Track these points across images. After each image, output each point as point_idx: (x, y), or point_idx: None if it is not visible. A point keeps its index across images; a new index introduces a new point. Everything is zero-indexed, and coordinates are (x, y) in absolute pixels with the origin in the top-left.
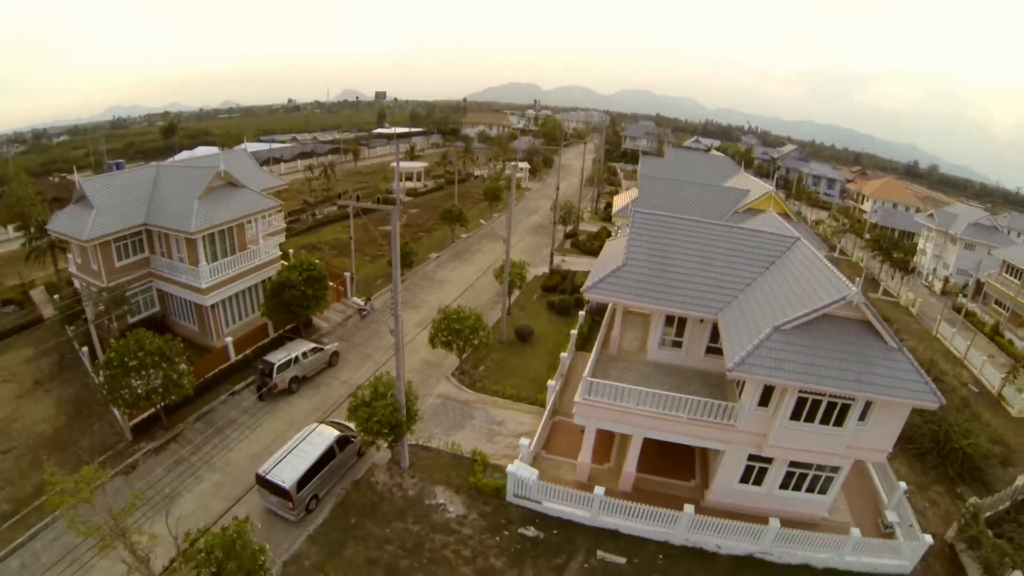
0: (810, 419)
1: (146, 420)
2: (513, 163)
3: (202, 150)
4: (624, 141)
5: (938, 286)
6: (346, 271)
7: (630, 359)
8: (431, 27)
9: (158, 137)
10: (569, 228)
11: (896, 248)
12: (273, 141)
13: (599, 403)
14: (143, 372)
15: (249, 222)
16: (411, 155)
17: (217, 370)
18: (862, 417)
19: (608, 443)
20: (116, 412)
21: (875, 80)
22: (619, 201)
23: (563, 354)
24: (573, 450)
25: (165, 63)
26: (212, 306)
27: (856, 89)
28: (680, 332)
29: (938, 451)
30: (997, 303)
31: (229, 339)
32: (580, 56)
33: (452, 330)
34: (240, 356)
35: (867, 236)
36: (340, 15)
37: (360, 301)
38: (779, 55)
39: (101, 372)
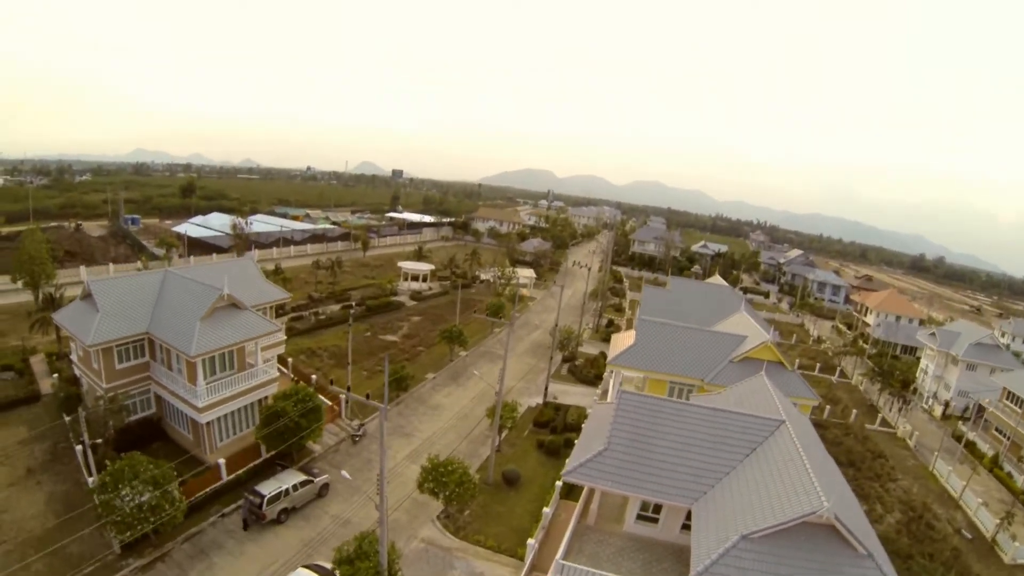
0: None
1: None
2: (516, 280)
3: (216, 216)
4: (633, 244)
5: (938, 411)
6: (341, 392)
7: (606, 530)
8: (454, 110)
9: (176, 192)
10: (568, 352)
11: (894, 378)
12: (286, 214)
13: None
14: (137, 500)
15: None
16: (419, 255)
17: (209, 489)
18: None
19: None
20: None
21: (881, 173)
22: (616, 343)
23: (546, 509)
24: None
25: (195, 112)
26: (208, 422)
27: (862, 182)
28: (657, 510)
29: None
30: (997, 430)
31: (222, 460)
32: (595, 146)
33: (439, 481)
34: (232, 476)
35: (867, 360)
36: (366, 89)
37: (354, 425)
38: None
39: (96, 495)
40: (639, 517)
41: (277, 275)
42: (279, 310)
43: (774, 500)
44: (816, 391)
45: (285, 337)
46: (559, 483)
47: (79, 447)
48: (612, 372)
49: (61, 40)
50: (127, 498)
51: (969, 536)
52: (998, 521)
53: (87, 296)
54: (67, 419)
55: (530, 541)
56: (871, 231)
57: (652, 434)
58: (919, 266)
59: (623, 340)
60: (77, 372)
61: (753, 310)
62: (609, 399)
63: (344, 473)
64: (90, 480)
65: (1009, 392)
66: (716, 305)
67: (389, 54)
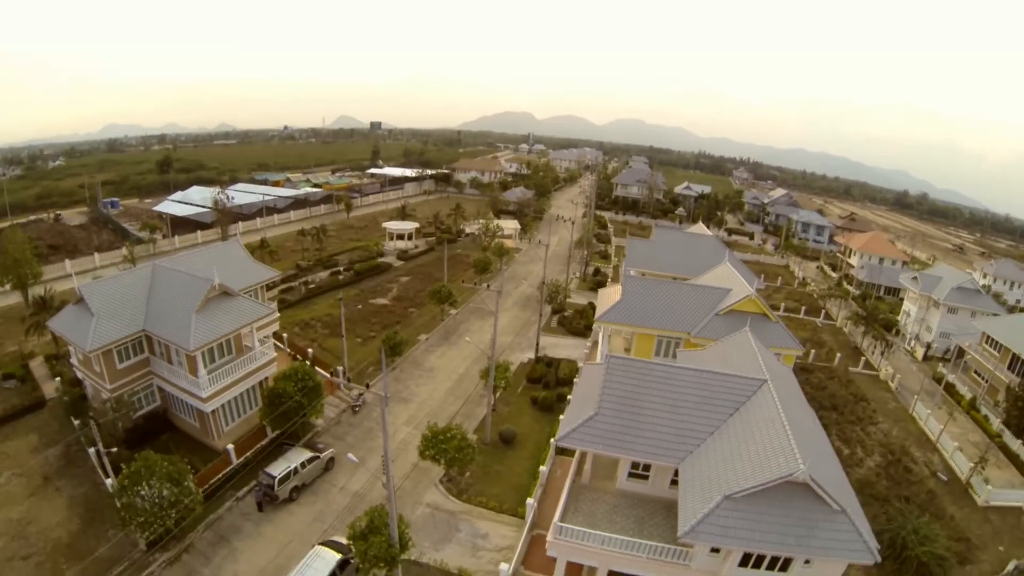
0: (757, 566)
1: None
2: (500, 233)
3: (195, 191)
4: (615, 188)
5: (920, 353)
6: (339, 365)
7: (600, 488)
8: (428, 56)
9: (153, 168)
10: (556, 304)
11: (877, 322)
12: (267, 181)
13: (568, 542)
14: (156, 500)
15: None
16: (403, 214)
17: (221, 475)
18: (807, 561)
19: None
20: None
21: (866, 109)
22: (603, 299)
23: (542, 467)
24: (550, 566)
25: (163, 80)
26: (213, 411)
27: (847, 117)
28: (647, 468)
29: (895, 557)
30: (976, 373)
31: (231, 446)
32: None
33: (439, 448)
34: (241, 460)
35: (852, 302)
36: (338, 42)
37: (353, 395)
38: (770, 84)
39: (117, 499)
40: (630, 475)
41: (263, 248)
42: (269, 285)
43: (755, 461)
44: (801, 334)
45: (278, 314)
46: (554, 440)
47: (92, 450)
48: (601, 327)
49: (18, 20)
50: (147, 498)
51: (945, 479)
52: (972, 465)
53: (79, 300)
54: (76, 423)
55: (529, 500)
56: (857, 166)
57: (640, 397)
58: (903, 203)
59: (610, 295)
60: (79, 374)
61: (737, 259)
62: (599, 356)
63: (351, 456)
64: (107, 482)
65: (988, 337)
66: (700, 255)
67: (363, 4)
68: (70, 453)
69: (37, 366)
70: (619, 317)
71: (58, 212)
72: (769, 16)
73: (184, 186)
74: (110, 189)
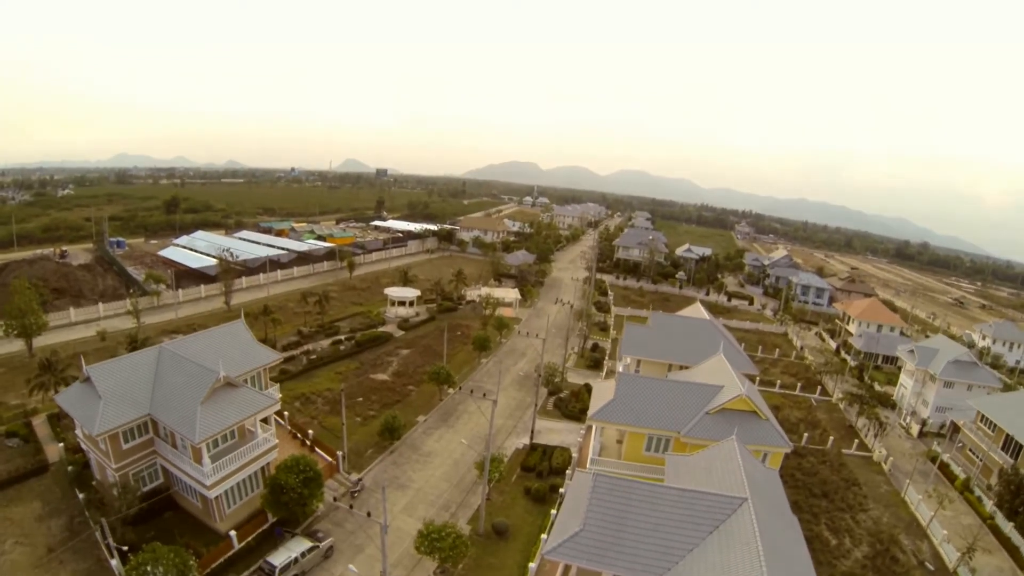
0: None
1: None
2: (500, 305)
3: (201, 236)
4: (617, 251)
5: (915, 429)
6: (339, 450)
7: None
8: (435, 103)
9: (160, 206)
10: (553, 386)
11: (871, 406)
12: (271, 229)
13: None
14: None
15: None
16: (404, 279)
17: (223, 559)
18: None
19: None
20: None
21: (864, 158)
22: (597, 394)
23: (531, 564)
24: None
25: (177, 114)
26: (216, 496)
27: (846, 166)
28: None
29: None
30: (971, 451)
31: (233, 532)
32: (579, 138)
33: (434, 546)
34: (243, 544)
35: (849, 375)
36: (347, 85)
37: (352, 479)
38: (771, 135)
39: None
40: None
41: (266, 315)
42: (271, 347)
43: None
44: (796, 414)
45: (279, 399)
46: (544, 536)
47: (97, 531)
48: (619, 358)
49: (43, 44)
50: None
51: (932, 568)
52: (960, 554)
53: (86, 380)
54: (81, 497)
55: None
56: (857, 216)
57: (624, 514)
58: (904, 254)
59: (603, 391)
60: (83, 445)
61: (732, 345)
62: (591, 450)
63: (351, 567)
64: (112, 563)
65: (983, 415)
66: (696, 342)
67: (374, 51)
68: (74, 524)
69: (40, 424)
70: (612, 417)
71: (64, 249)
72: (771, 68)
73: (190, 228)
74: (117, 226)
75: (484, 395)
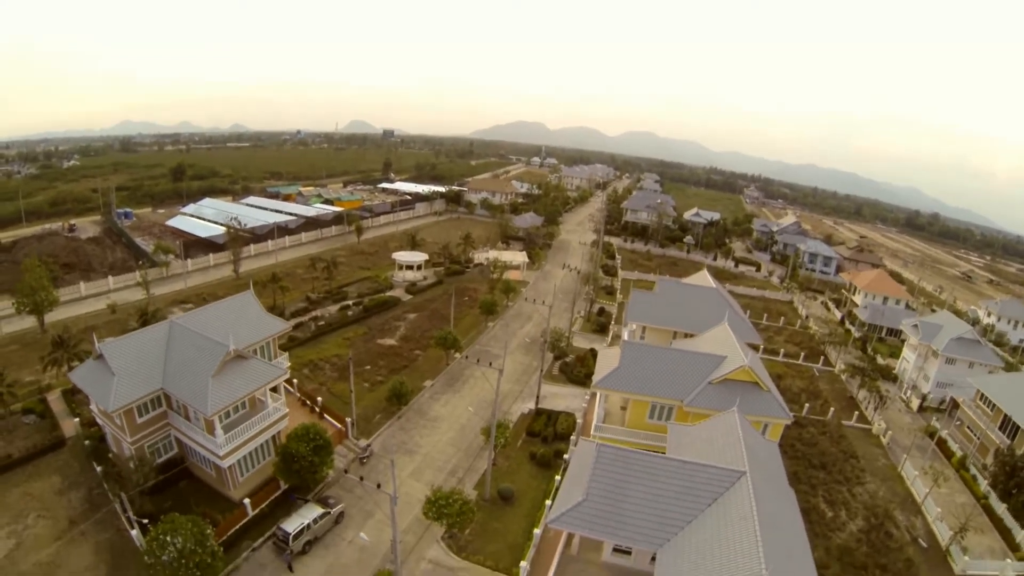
0: None
1: None
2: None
3: (208, 203)
4: (625, 213)
5: (915, 403)
6: (347, 416)
7: (587, 559)
8: (444, 61)
9: (166, 173)
10: (559, 351)
11: (872, 379)
12: (278, 194)
13: None
14: (181, 558)
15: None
16: (412, 242)
17: (238, 526)
18: None
19: None
20: None
21: (877, 125)
22: (602, 361)
23: (536, 530)
24: None
25: (180, 78)
26: (229, 466)
27: (858, 134)
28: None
29: None
30: (969, 428)
31: (247, 500)
32: (587, 98)
33: (442, 512)
34: (256, 511)
35: (852, 346)
36: (354, 45)
37: (360, 445)
38: (782, 99)
39: (146, 557)
40: (615, 550)
41: (275, 283)
42: (279, 314)
43: (723, 560)
44: (798, 383)
45: (288, 366)
46: (548, 502)
47: (115, 500)
48: (625, 324)
49: (42, 12)
50: (173, 556)
51: (925, 545)
52: (953, 532)
53: (99, 357)
54: (99, 469)
55: (523, 563)
56: (867, 183)
57: (625, 485)
58: (914, 224)
59: (609, 358)
60: (98, 420)
61: (738, 313)
62: (595, 415)
63: (362, 535)
64: (132, 533)
65: (982, 394)
66: (702, 310)
67: (379, 9)
68: (93, 497)
69: (55, 400)
70: (616, 384)
71: (72, 223)
72: (784, 28)
73: (197, 196)
74: (124, 196)
75: (491, 364)
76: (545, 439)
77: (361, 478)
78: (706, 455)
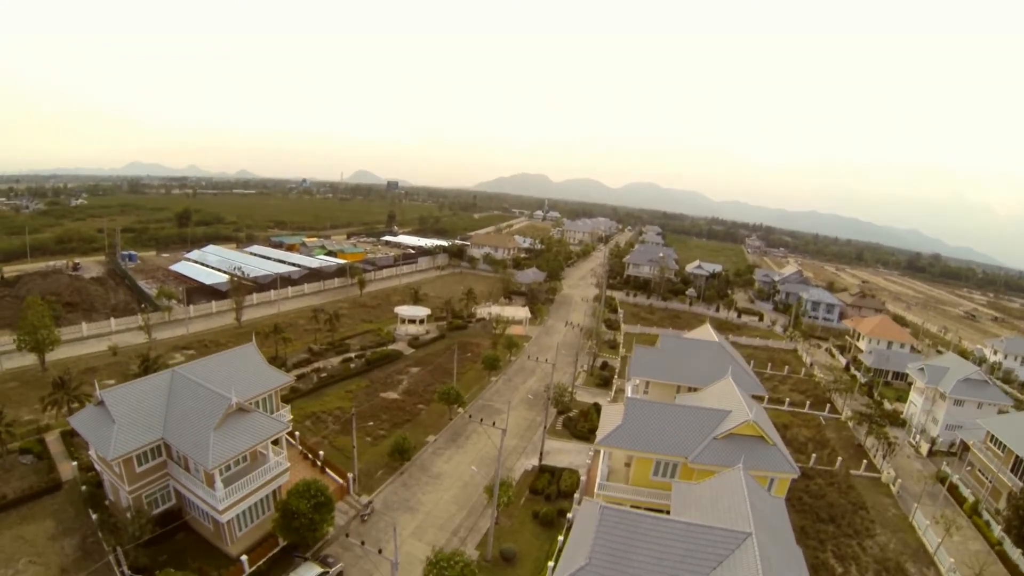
0: None
1: None
2: (509, 322)
3: (212, 251)
4: (627, 268)
5: (925, 448)
6: (349, 472)
7: None
8: (445, 116)
9: (172, 218)
10: (562, 406)
11: (880, 426)
12: (282, 244)
13: None
14: None
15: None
16: (415, 298)
17: None
18: None
19: None
20: None
21: (876, 170)
22: (606, 419)
23: None
24: None
25: (189, 123)
26: (228, 521)
27: (857, 179)
28: None
29: None
30: (980, 472)
31: (244, 557)
32: (590, 150)
33: (443, 575)
34: (253, 568)
35: (858, 392)
36: (358, 97)
37: (362, 502)
38: (782, 147)
39: None
40: None
41: (277, 334)
42: (281, 367)
43: None
44: (805, 433)
45: (290, 419)
46: (551, 564)
47: (111, 553)
48: (628, 379)
49: (58, 53)
50: None
51: None
52: None
53: (100, 403)
54: (94, 517)
55: None
56: (867, 227)
57: (629, 548)
58: (915, 266)
59: (612, 415)
60: (96, 466)
61: (741, 366)
62: (598, 474)
63: None
64: None
65: (992, 435)
66: (705, 364)
67: (385, 64)
68: (87, 545)
69: (53, 441)
70: (620, 442)
71: (76, 262)
72: (782, 76)
73: (202, 242)
74: (129, 238)
75: (494, 423)
76: (548, 497)
77: (363, 542)
78: (711, 515)
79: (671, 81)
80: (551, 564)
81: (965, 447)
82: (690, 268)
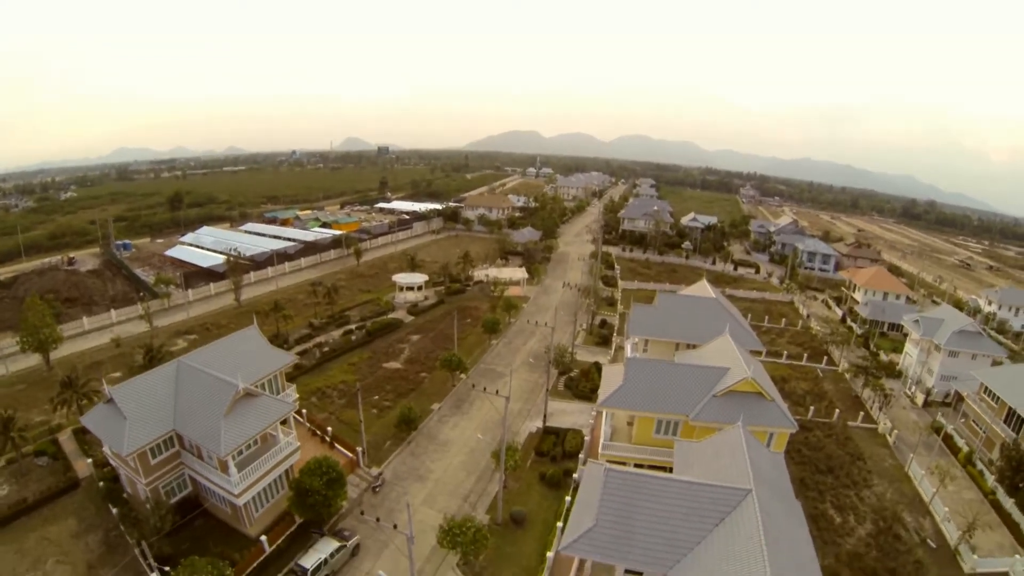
0: None
1: None
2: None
3: (206, 232)
4: (622, 222)
5: (920, 398)
6: (358, 445)
7: None
8: (431, 75)
9: (164, 202)
10: (563, 367)
11: (877, 372)
12: (276, 219)
13: None
14: None
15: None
16: (412, 264)
17: (256, 563)
18: None
19: None
20: None
21: (869, 113)
22: (607, 380)
23: (548, 553)
24: None
25: (173, 102)
26: (245, 503)
27: (851, 123)
28: None
29: None
30: (974, 422)
31: (263, 537)
32: (580, 103)
33: (456, 540)
34: (273, 548)
35: (854, 344)
36: (343, 60)
37: (373, 474)
38: (774, 93)
39: None
40: (626, 572)
41: (277, 312)
42: (283, 344)
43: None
44: (803, 386)
45: (297, 398)
46: (560, 524)
47: (135, 547)
48: (627, 337)
49: (36, 42)
50: None
51: (934, 546)
52: (961, 532)
53: (109, 400)
54: (115, 511)
55: None
56: (862, 174)
57: (634, 508)
58: (910, 213)
59: (613, 376)
60: (111, 461)
61: (738, 321)
62: (602, 433)
63: (381, 573)
64: None
65: (986, 387)
66: (703, 321)
67: (366, 21)
68: (110, 539)
69: (66, 440)
70: (621, 403)
71: (72, 256)
72: (773, 21)
73: (195, 224)
74: (122, 227)
75: (497, 392)
76: (554, 458)
77: (378, 519)
78: (712, 473)
79: (658, 31)
80: (560, 524)
81: (960, 398)
82: (685, 221)
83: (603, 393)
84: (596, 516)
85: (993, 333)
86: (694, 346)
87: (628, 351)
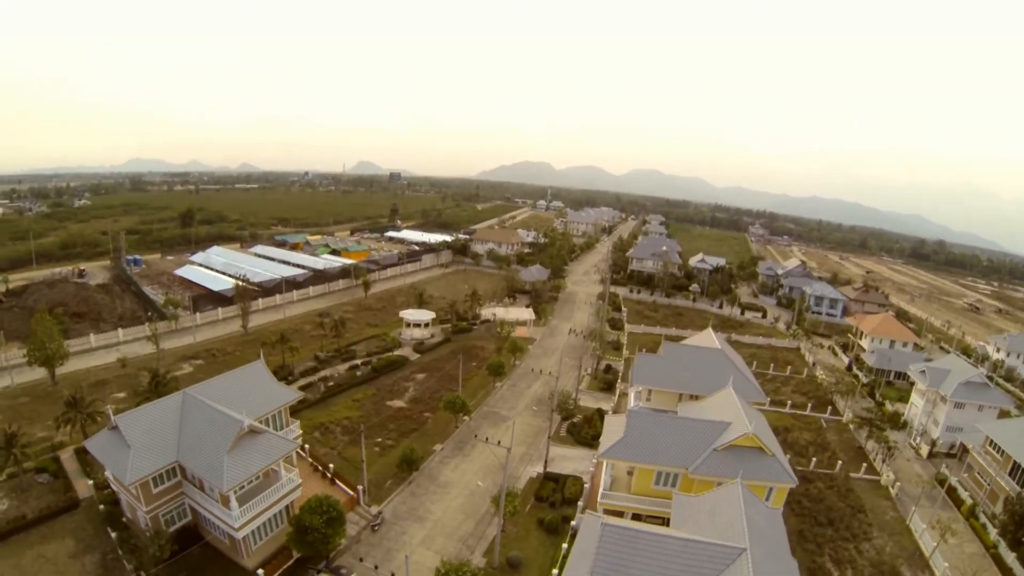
0: None
1: None
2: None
3: (216, 252)
4: (631, 262)
5: (925, 450)
6: (359, 483)
7: None
8: (446, 103)
9: (175, 217)
10: (566, 413)
11: (881, 431)
12: (285, 243)
13: None
14: None
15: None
16: (419, 300)
17: None
18: None
19: None
20: None
21: (878, 155)
22: (608, 430)
23: None
24: None
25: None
26: (244, 537)
27: (860, 164)
28: None
29: None
30: (979, 475)
31: (260, 571)
32: (592, 137)
33: None
34: None
35: (860, 393)
36: (358, 86)
37: (372, 512)
38: (783, 138)
39: None
40: None
41: (283, 344)
42: (288, 376)
43: None
44: (806, 436)
45: (300, 432)
46: (555, 573)
47: (131, 572)
48: (631, 385)
49: (58, 52)
50: None
51: None
52: None
53: (114, 428)
54: (113, 535)
55: None
56: (871, 212)
57: (629, 564)
58: (919, 253)
59: (615, 427)
60: (113, 486)
61: (742, 373)
62: (601, 484)
63: None
64: None
65: (991, 440)
66: (707, 372)
67: (386, 53)
68: (107, 563)
69: (68, 459)
70: (622, 454)
71: (82, 268)
72: (784, 70)
73: (205, 242)
74: (133, 240)
75: (499, 442)
76: (553, 504)
77: (376, 567)
78: (708, 529)
79: (670, 81)
80: (555, 572)
81: (965, 449)
82: (693, 262)
83: (604, 444)
84: (591, 570)
85: (1001, 381)
86: (698, 397)
87: (632, 399)
